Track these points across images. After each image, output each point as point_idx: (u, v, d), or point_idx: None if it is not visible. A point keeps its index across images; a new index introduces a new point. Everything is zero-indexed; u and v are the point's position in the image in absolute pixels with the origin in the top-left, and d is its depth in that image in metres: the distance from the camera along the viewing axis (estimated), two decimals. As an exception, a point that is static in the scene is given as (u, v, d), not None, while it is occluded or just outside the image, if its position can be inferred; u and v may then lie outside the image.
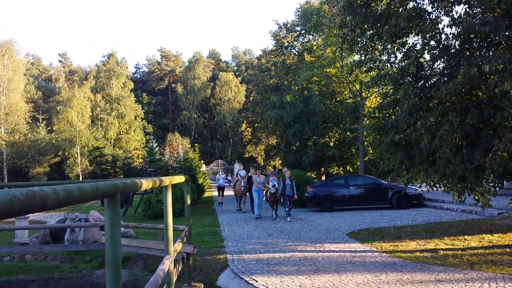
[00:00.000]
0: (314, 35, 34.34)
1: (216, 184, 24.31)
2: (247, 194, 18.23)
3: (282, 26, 39.25)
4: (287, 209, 14.99)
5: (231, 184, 31.22)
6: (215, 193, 26.91)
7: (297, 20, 36.75)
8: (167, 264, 4.26)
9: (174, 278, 4.86)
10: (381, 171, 14.55)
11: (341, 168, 31.50)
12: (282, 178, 15.24)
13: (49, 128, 54.74)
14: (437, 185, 10.33)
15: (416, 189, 17.53)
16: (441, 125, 9.29)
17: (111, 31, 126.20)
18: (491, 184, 9.74)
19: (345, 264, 8.13)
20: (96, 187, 1.93)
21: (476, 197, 9.78)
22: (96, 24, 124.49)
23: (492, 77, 8.64)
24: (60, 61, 78.86)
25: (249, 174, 18.04)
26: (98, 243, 11.47)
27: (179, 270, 6.02)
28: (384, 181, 17.90)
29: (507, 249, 8.77)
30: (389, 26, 10.24)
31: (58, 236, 13.46)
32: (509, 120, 8.48)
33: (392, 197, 17.14)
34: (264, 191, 16.19)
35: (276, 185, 15.06)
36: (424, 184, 11.04)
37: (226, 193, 23.49)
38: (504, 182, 10.10)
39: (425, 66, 10.74)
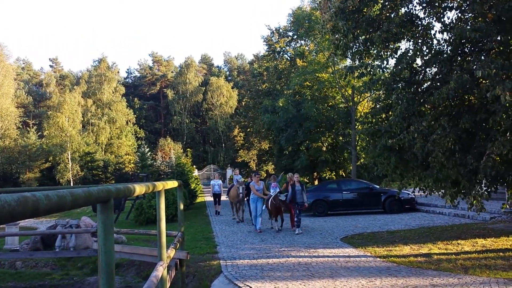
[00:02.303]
0: (306, 40, 34.46)
1: (211, 191, 20.81)
2: (245, 201, 16.18)
3: (274, 31, 39.32)
4: (296, 219, 13.15)
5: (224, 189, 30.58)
6: (208, 198, 26.18)
7: (289, 25, 36.84)
8: (161, 270, 4.20)
9: (168, 285, 4.79)
10: (374, 175, 14.56)
11: (334, 173, 31.54)
12: (290, 184, 13.44)
13: (39, 133, 54.30)
14: (432, 190, 10.34)
15: (409, 194, 17.58)
16: (434, 129, 9.32)
17: (102, 35, 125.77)
18: (484, 188, 9.78)
19: (339, 269, 8.10)
20: (89, 193, 1.88)
21: (471, 201, 9.79)
22: (87, 28, 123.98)
23: (484, 82, 8.68)
24: (51, 66, 78.22)
25: (246, 180, 16.57)
26: (89, 249, 11.36)
27: (172, 276, 5.95)
28: (376, 186, 17.93)
29: (501, 253, 8.79)
30: (381, 31, 10.29)
31: (49, 242, 13.32)
32: (501, 125, 8.52)
33: (385, 201, 17.15)
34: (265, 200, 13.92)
35: (277, 192, 13.32)
36: (417, 189, 11.06)
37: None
38: (498, 186, 10.12)
39: (418, 71, 10.79)
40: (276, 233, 12.99)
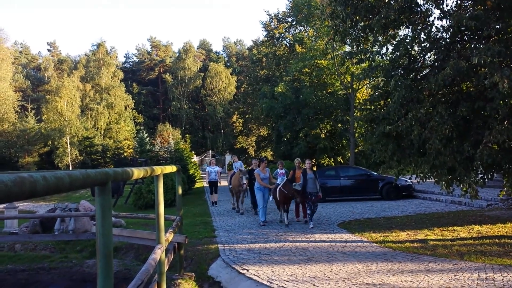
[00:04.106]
0: (305, 26, 34.25)
1: (206, 178, 18.57)
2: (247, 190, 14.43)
3: (274, 17, 39.10)
4: (308, 211, 11.72)
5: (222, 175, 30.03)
6: (206, 184, 25.93)
7: (288, 11, 36.58)
8: (159, 253, 4.24)
9: (166, 268, 4.85)
10: (371, 162, 14.60)
11: (332, 160, 31.62)
12: (301, 171, 11.98)
13: (38, 117, 54.15)
14: (427, 176, 10.38)
15: (406, 181, 17.65)
16: (432, 116, 9.33)
17: (101, 19, 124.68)
18: (480, 176, 9.82)
19: (335, 254, 8.17)
20: (86, 175, 1.90)
21: (464, 188, 9.84)
22: (85, 12, 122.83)
23: (482, 69, 8.67)
24: (48, 50, 77.64)
25: (248, 168, 15.17)
26: (88, 233, 11.42)
27: (171, 259, 6.01)
28: (374, 173, 17.99)
29: (496, 240, 8.86)
30: (379, 17, 10.22)
31: (48, 225, 13.40)
32: (499, 112, 8.53)
33: (383, 188, 17.24)
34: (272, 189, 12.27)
35: (283, 180, 11.89)
36: (414, 176, 11.10)
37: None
38: (494, 174, 10.16)
39: (417, 58, 10.75)
40: (273, 219, 12.94)
